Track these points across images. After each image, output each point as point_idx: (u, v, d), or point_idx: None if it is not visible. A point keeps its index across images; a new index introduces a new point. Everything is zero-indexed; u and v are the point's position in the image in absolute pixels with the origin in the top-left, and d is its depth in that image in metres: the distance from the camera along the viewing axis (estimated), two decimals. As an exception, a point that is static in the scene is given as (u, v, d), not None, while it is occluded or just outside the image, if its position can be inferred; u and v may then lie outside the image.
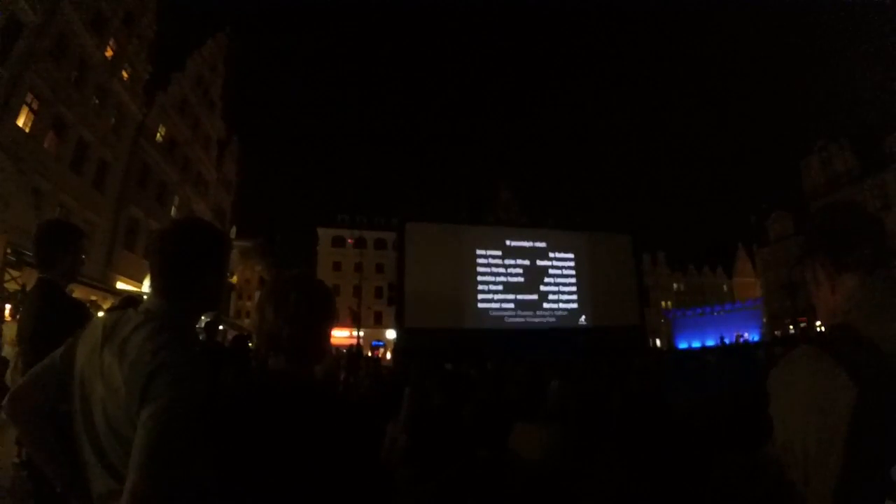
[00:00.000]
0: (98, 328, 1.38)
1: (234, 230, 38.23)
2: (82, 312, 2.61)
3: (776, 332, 40.56)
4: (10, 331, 10.86)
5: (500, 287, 20.10)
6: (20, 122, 16.30)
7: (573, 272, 21.53)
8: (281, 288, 1.43)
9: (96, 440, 1.26)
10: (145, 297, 1.51)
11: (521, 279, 20.55)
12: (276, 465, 1.19)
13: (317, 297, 1.45)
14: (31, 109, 16.77)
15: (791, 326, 41.47)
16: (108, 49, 21.32)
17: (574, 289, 21.34)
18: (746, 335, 36.91)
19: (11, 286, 12.86)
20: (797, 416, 1.07)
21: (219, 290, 1.53)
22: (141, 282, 23.22)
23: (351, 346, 23.00)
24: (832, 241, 1.25)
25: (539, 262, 21.04)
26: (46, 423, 1.38)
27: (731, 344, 30.44)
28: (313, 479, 1.20)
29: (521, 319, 20.07)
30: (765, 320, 43.69)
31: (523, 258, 20.85)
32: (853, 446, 0.96)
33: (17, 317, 11.97)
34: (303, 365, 1.39)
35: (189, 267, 1.42)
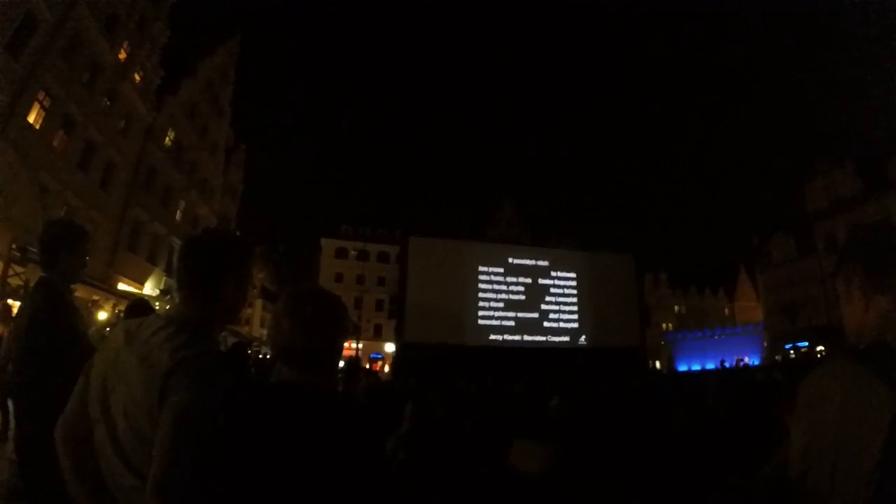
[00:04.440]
0: (120, 333, 1.41)
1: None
2: (75, 316, 2.62)
3: (776, 357, 40.39)
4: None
5: (501, 304, 20.04)
6: (31, 118, 16.40)
7: (574, 291, 21.46)
8: (298, 301, 1.45)
9: (119, 443, 1.27)
10: (146, 298, 1.51)
11: (522, 297, 20.49)
12: (292, 473, 1.20)
13: (333, 312, 1.47)
14: (42, 107, 16.87)
15: (791, 351, 41.27)
16: (122, 51, 21.51)
17: (575, 308, 21.26)
18: (747, 359, 36.77)
19: (14, 282, 12.93)
20: (831, 424, 1.07)
21: (239, 301, 1.55)
22: (142, 283, 23.25)
23: (349, 357, 22.97)
24: (872, 260, 1.24)
25: (541, 281, 20.99)
26: (89, 448, 1.34)
27: (731, 367, 30.30)
28: (328, 487, 1.21)
29: (522, 337, 19.99)
30: (765, 344, 43.48)
31: (525, 276, 20.80)
32: (892, 454, 0.97)
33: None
34: (317, 376, 1.40)
35: (209, 277, 1.45)
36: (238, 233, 38.37)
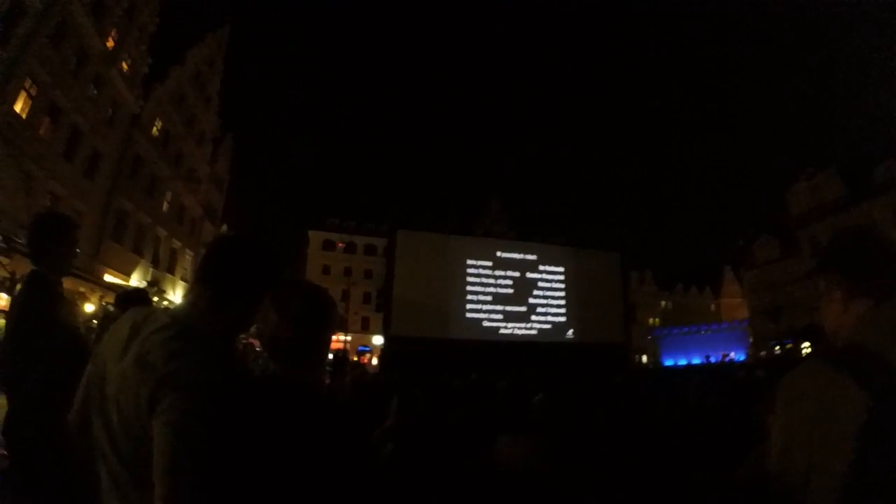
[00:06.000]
0: (127, 324, 1.39)
1: (224, 228, 38.10)
2: (67, 309, 2.63)
3: (761, 353, 40.71)
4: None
5: (489, 298, 20.06)
6: (17, 107, 16.16)
7: (562, 286, 21.53)
8: (285, 294, 1.44)
9: (111, 433, 1.28)
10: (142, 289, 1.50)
11: (510, 290, 20.51)
12: (279, 468, 1.21)
13: (320, 305, 1.46)
14: (28, 95, 16.62)
15: (777, 348, 41.67)
16: (109, 39, 21.23)
17: (563, 302, 21.32)
18: (732, 355, 37.04)
19: (0, 273, 12.79)
20: (807, 423, 1.11)
21: (253, 314, 1.49)
22: (129, 275, 23.06)
23: (336, 350, 22.92)
24: (852, 265, 1.28)
25: (529, 275, 21.02)
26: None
27: (716, 363, 30.56)
28: (314, 481, 1.22)
29: (509, 331, 20.05)
30: (751, 340, 43.81)
31: (513, 270, 20.82)
32: (863, 451, 1.01)
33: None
34: (304, 370, 1.41)
35: (232, 281, 1.43)
36: (225, 224, 38.06)
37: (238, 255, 1.47)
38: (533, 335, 20.39)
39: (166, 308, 1.46)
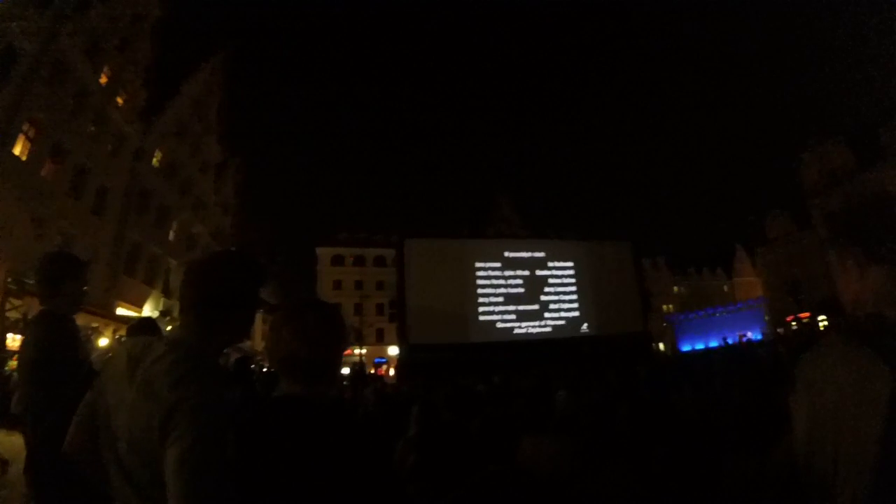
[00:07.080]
0: (124, 357, 1.39)
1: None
2: (79, 345, 2.64)
3: (779, 330, 40.29)
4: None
5: (500, 299, 20.04)
6: (17, 150, 16.33)
7: (573, 281, 21.46)
8: (298, 312, 1.45)
9: (122, 464, 1.27)
10: (156, 319, 1.51)
11: (521, 290, 20.47)
12: (301, 487, 1.20)
13: (333, 322, 1.47)
14: (27, 138, 16.81)
15: (794, 324, 41.21)
16: (104, 76, 21.43)
17: (575, 297, 21.25)
18: (749, 334, 36.67)
19: (13, 315, 12.90)
20: (833, 404, 1.07)
21: (247, 323, 1.53)
22: (141, 307, 23.21)
23: (354, 363, 22.91)
24: (865, 231, 1.23)
25: (538, 272, 20.98)
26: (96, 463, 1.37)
27: (734, 344, 30.23)
28: (337, 499, 1.21)
29: (524, 331, 20.01)
30: (767, 319, 43.42)
31: (522, 269, 20.79)
32: (891, 431, 0.97)
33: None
34: (319, 387, 1.41)
35: (217, 300, 1.44)
36: (234, 248, 38.24)
37: (212, 275, 1.47)
38: (548, 332, 20.33)
39: (161, 336, 1.46)
